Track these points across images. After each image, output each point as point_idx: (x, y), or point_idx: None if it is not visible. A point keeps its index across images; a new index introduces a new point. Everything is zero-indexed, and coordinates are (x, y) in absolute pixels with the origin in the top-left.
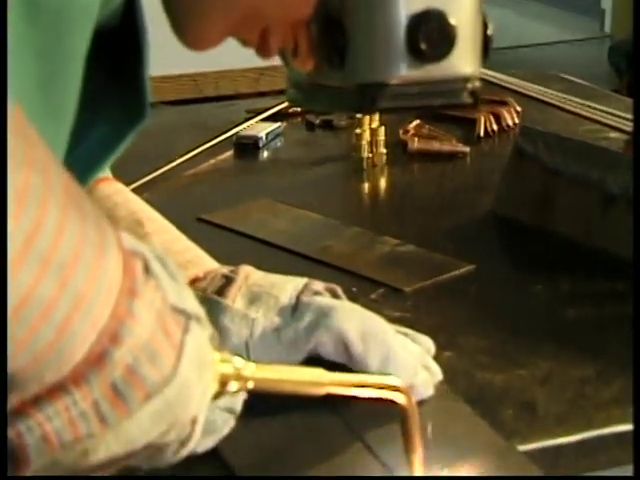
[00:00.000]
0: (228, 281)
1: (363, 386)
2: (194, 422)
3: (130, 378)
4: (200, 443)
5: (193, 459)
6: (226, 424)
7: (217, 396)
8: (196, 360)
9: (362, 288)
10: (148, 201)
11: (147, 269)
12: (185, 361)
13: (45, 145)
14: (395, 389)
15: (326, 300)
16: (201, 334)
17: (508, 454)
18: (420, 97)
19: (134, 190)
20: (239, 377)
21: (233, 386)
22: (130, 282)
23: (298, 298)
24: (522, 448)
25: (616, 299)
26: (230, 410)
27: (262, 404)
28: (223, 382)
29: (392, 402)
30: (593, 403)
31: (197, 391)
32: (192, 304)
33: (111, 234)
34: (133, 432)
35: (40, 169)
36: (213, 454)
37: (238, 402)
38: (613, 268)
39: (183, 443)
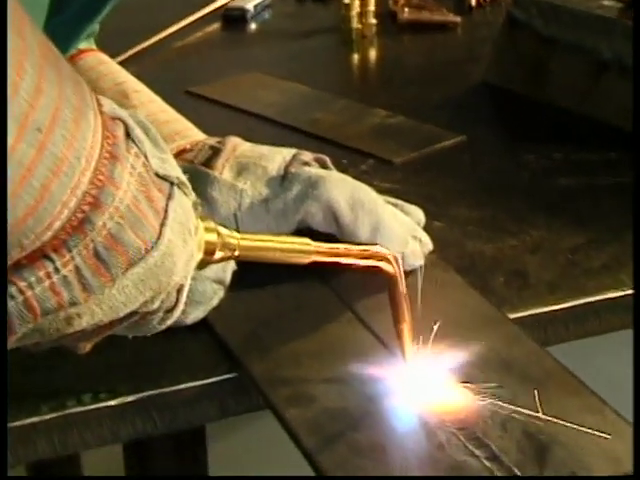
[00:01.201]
0: (215, 152)
1: (349, 255)
2: (179, 290)
3: (112, 244)
4: (190, 314)
5: (183, 330)
6: (216, 295)
7: (202, 265)
8: (180, 227)
9: (352, 160)
10: (135, 74)
11: (128, 134)
12: (168, 228)
13: (21, 8)
14: (382, 258)
15: (315, 170)
16: (185, 201)
17: (499, 322)
18: None
19: (120, 64)
20: (224, 246)
21: (218, 255)
22: (110, 147)
23: (287, 169)
24: (513, 316)
25: (608, 168)
26: (220, 281)
27: (252, 276)
28: (208, 251)
29: (379, 271)
30: (584, 270)
31: (181, 258)
32: (175, 170)
33: (90, 97)
34: (117, 299)
35: (16, 31)
36: (203, 325)
37: (227, 273)
38: (606, 137)
39: (168, 311)
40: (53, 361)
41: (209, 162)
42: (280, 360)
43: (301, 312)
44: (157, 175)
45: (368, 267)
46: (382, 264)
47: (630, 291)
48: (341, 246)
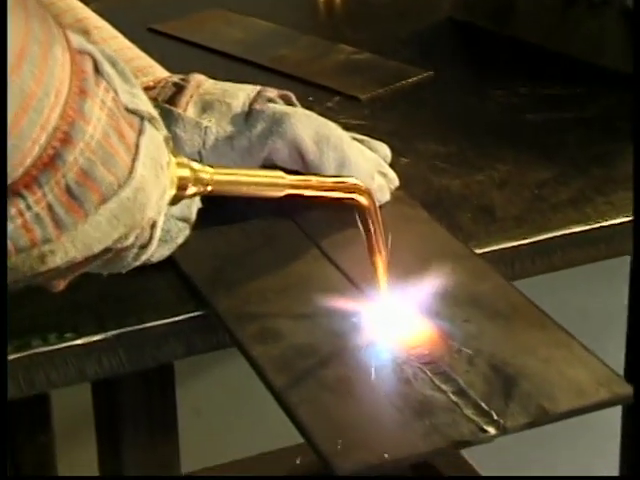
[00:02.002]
0: (179, 89)
1: (323, 188)
2: (153, 226)
3: (84, 180)
4: (156, 252)
5: (149, 268)
6: (181, 233)
7: (175, 200)
8: (152, 162)
9: (318, 97)
10: (96, 11)
11: (97, 69)
12: (140, 163)
13: None
14: (355, 190)
15: (280, 107)
16: (156, 135)
17: (466, 258)
18: None
19: (81, 0)
20: (197, 181)
21: (191, 190)
22: (79, 82)
23: (251, 106)
24: (479, 251)
25: (575, 102)
26: (185, 219)
27: (218, 213)
28: (181, 186)
29: (353, 203)
30: (550, 205)
31: (154, 193)
32: (146, 105)
33: (58, 32)
34: (90, 236)
35: None
36: (169, 263)
37: (193, 211)
38: (573, 71)
39: (143, 247)
40: (17, 300)
41: (172, 100)
42: (246, 297)
43: (267, 249)
44: (127, 110)
45: (342, 200)
46: (356, 196)
47: (596, 225)
48: (314, 179)
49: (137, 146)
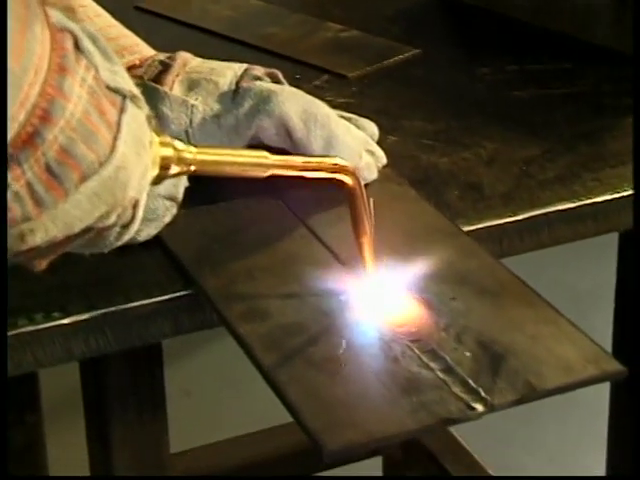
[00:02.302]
0: (165, 68)
1: (308, 168)
2: (135, 205)
3: (64, 159)
4: (142, 231)
5: (137, 248)
6: (168, 212)
7: (158, 180)
8: (134, 140)
9: (305, 75)
10: None
11: (78, 46)
12: (122, 141)
13: None
14: (341, 170)
15: (267, 85)
16: (138, 114)
17: (453, 235)
18: None
19: None
20: (180, 160)
21: (174, 170)
22: (59, 58)
23: (238, 84)
24: (467, 229)
25: (563, 78)
26: (171, 198)
27: (205, 192)
28: (164, 165)
29: (339, 183)
30: (538, 182)
31: (136, 172)
32: (128, 83)
33: (37, 8)
34: (71, 214)
35: None
36: (156, 242)
37: (180, 190)
38: (560, 47)
39: (125, 227)
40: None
41: (159, 78)
42: (234, 276)
43: (255, 227)
44: (109, 88)
45: (327, 180)
46: (341, 176)
47: (583, 202)
48: (299, 159)
49: (119, 124)
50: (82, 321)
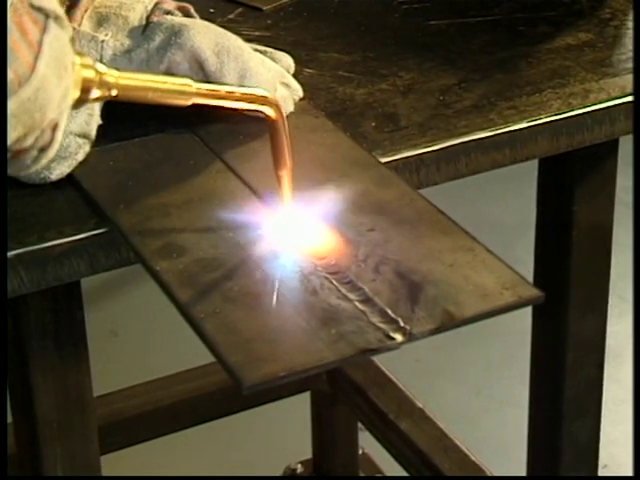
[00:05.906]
0: (73, 3)
1: (231, 98)
2: (54, 128)
3: None
4: (55, 170)
5: (49, 187)
6: (81, 149)
7: (79, 104)
8: (55, 62)
9: (220, 8)
10: None
11: None
12: (43, 62)
13: None
14: (264, 101)
15: (178, 19)
16: (62, 35)
17: (371, 166)
18: None
19: None
20: (102, 83)
21: (95, 93)
22: None
23: (148, 18)
24: (384, 160)
25: (479, 7)
26: (84, 135)
27: (119, 128)
28: (85, 88)
29: (262, 115)
30: (455, 111)
31: (56, 94)
32: (51, 3)
33: None
34: None
35: None
36: (69, 181)
37: (92, 127)
38: None
39: (43, 150)
40: None
41: (67, 14)
42: (149, 212)
43: (169, 163)
44: (32, 6)
45: (250, 111)
46: (265, 108)
47: (500, 130)
48: (222, 88)
49: (40, 44)
50: None
